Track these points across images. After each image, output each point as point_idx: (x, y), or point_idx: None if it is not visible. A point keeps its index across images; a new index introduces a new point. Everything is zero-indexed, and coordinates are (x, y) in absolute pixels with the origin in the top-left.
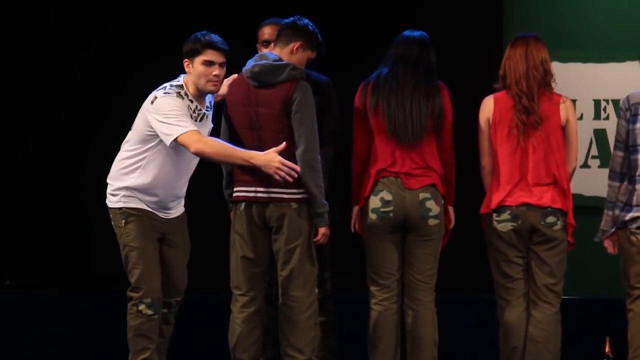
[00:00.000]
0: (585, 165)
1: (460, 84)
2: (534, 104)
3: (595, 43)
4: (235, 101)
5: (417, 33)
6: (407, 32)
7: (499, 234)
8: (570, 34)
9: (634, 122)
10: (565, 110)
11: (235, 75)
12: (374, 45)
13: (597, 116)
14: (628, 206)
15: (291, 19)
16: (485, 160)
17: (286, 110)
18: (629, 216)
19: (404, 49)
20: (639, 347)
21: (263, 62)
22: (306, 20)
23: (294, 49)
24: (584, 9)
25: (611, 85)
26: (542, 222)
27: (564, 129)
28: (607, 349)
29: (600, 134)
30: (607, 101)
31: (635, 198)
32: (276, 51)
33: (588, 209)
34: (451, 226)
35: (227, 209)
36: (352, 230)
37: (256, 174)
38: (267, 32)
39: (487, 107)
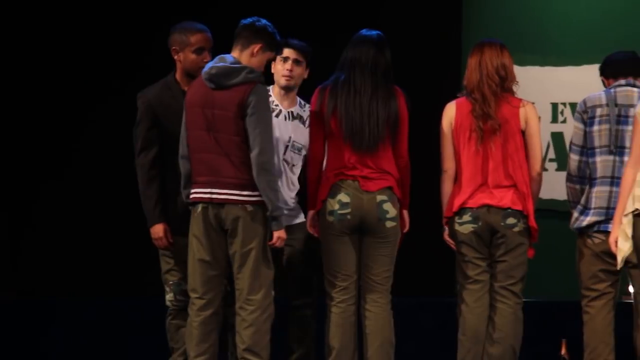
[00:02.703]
0: (542, 168)
1: (418, 88)
2: (491, 110)
3: (553, 47)
4: (193, 103)
5: (373, 32)
6: (363, 32)
7: (460, 236)
8: (528, 38)
9: (591, 124)
10: (524, 114)
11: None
12: (333, 47)
13: (554, 119)
14: (586, 209)
15: (249, 20)
16: (448, 165)
17: (241, 112)
18: (585, 221)
19: (361, 50)
20: (594, 348)
21: (220, 64)
22: (264, 21)
23: (254, 51)
24: (541, 13)
25: (568, 89)
26: (502, 223)
27: (523, 132)
28: (563, 351)
29: (557, 137)
30: (564, 104)
31: (592, 201)
32: (235, 54)
33: (545, 211)
34: (405, 230)
35: None
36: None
37: (213, 175)
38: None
39: (449, 112)
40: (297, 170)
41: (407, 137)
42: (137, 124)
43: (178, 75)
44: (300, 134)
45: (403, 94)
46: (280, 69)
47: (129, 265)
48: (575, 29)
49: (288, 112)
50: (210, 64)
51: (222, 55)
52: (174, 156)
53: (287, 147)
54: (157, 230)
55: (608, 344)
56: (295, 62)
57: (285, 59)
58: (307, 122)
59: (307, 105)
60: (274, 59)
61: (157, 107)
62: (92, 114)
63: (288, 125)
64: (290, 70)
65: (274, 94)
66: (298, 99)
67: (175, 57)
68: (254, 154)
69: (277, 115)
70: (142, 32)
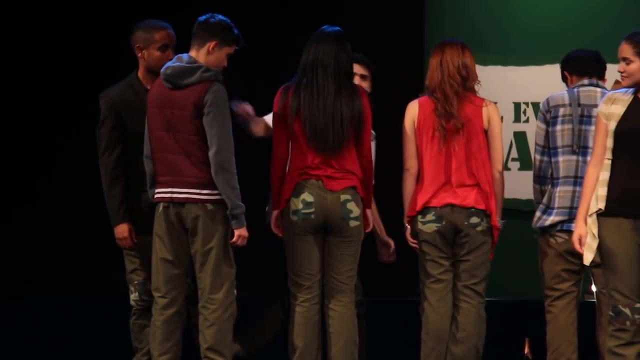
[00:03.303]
0: (505, 167)
1: (381, 88)
2: (453, 109)
3: (515, 47)
4: (152, 103)
5: (334, 29)
6: (324, 28)
7: (423, 235)
8: (491, 38)
9: (554, 124)
10: (487, 114)
11: None
12: (294, 46)
13: (517, 119)
14: (549, 209)
15: (203, 17)
16: (410, 164)
17: (198, 112)
18: (549, 221)
19: (322, 48)
20: (557, 347)
21: (176, 64)
22: (219, 17)
23: (210, 49)
24: (504, 13)
25: (531, 88)
26: (466, 223)
27: (486, 132)
28: (526, 350)
29: (520, 137)
30: (527, 104)
31: (555, 201)
32: (192, 53)
33: (508, 211)
34: (369, 229)
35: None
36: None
37: (174, 175)
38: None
39: (412, 111)
40: None
41: (370, 136)
42: (100, 123)
43: (141, 74)
44: None
45: (365, 92)
46: None
47: (93, 265)
48: (538, 28)
49: None
50: (167, 64)
51: (180, 55)
52: (139, 155)
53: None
54: (122, 230)
55: (571, 343)
56: (362, 77)
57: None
58: None
59: None
60: (236, 51)
61: (121, 106)
62: (52, 116)
63: None
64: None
65: None
66: None
67: (139, 54)
68: (211, 153)
69: None
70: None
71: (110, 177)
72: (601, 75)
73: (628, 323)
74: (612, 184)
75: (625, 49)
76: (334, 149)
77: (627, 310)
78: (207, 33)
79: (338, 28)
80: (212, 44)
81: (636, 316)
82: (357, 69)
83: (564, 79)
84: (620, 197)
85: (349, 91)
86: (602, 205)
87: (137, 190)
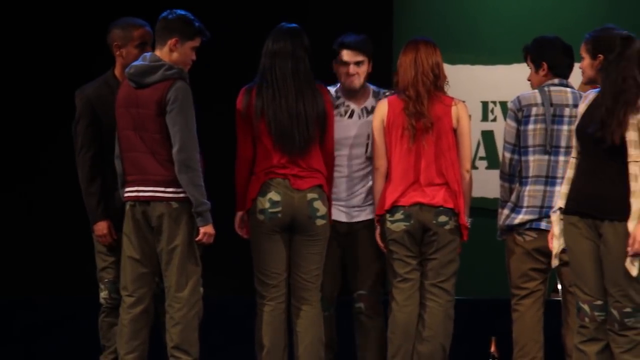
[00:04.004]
0: (473, 166)
1: None
2: (424, 108)
3: (483, 45)
4: (120, 103)
5: (290, 26)
6: (280, 26)
7: (391, 234)
8: (459, 37)
9: (526, 123)
10: (456, 113)
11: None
12: (261, 45)
13: (484, 118)
14: (518, 207)
15: (162, 14)
16: (380, 162)
17: (161, 110)
18: (517, 219)
19: (279, 46)
20: (524, 346)
21: (139, 63)
22: (178, 12)
23: (171, 46)
24: (472, 12)
25: (498, 87)
26: (434, 221)
27: (455, 131)
28: (492, 349)
29: (487, 136)
30: (494, 103)
31: (525, 200)
32: (156, 51)
33: (476, 210)
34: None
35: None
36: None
37: (140, 174)
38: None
39: (381, 109)
40: None
41: (333, 135)
42: (76, 121)
43: (117, 72)
44: None
45: (327, 91)
46: (342, 73)
47: (61, 262)
48: (506, 28)
49: (362, 109)
50: (132, 63)
51: (145, 54)
52: (113, 153)
53: (367, 144)
54: (101, 227)
55: (537, 342)
56: (356, 64)
57: (345, 64)
58: None
59: (383, 91)
60: (203, 44)
61: (96, 103)
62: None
63: (363, 123)
64: (351, 75)
65: (342, 94)
66: (372, 89)
67: (117, 53)
68: (174, 151)
69: (350, 116)
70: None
71: (88, 175)
72: (568, 76)
73: (587, 319)
74: (573, 183)
75: (581, 47)
76: (300, 150)
77: (586, 307)
78: (166, 30)
79: (294, 25)
80: (173, 41)
81: (595, 313)
82: (350, 56)
83: (528, 59)
84: (576, 197)
85: (310, 90)
86: (562, 203)
87: (111, 188)
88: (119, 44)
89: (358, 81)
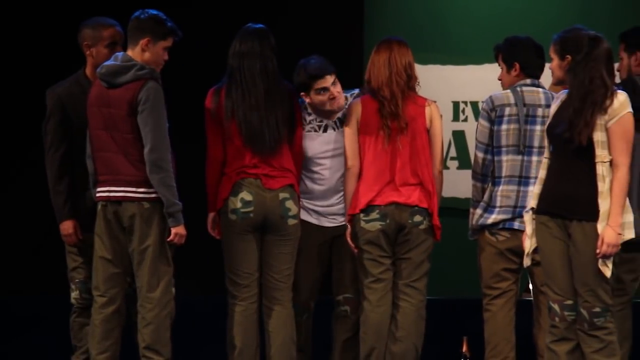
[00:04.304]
0: (444, 166)
1: None
2: (399, 109)
3: (454, 46)
4: (92, 102)
5: (256, 26)
6: (247, 26)
7: (366, 233)
8: (430, 37)
9: (500, 123)
10: (429, 113)
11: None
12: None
13: (455, 118)
14: (491, 207)
15: (134, 14)
16: (352, 162)
17: (132, 110)
18: (491, 219)
19: (246, 46)
20: (496, 346)
21: (111, 62)
22: (150, 11)
23: (143, 46)
24: (443, 12)
25: (469, 87)
26: (410, 221)
27: (428, 131)
28: (464, 349)
29: (459, 136)
30: (465, 103)
31: (498, 199)
32: (128, 51)
33: (447, 210)
34: None
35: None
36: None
37: (111, 174)
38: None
39: (355, 110)
40: None
41: (301, 133)
42: (46, 119)
43: (88, 71)
44: None
45: (292, 88)
46: (325, 100)
47: (33, 262)
48: (477, 28)
49: (335, 121)
50: (103, 63)
51: (117, 54)
52: (84, 152)
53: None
54: (67, 226)
55: (509, 341)
56: (333, 84)
57: (324, 90)
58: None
59: (351, 93)
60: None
61: (67, 102)
62: None
63: (339, 133)
64: (335, 96)
65: (313, 111)
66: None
67: (87, 52)
68: (146, 152)
69: (325, 130)
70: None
71: (56, 174)
72: (540, 76)
73: (557, 319)
74: (544, 183)
75: (550, 47)
76: (271, 150)
77: (556, 307)
78: (138, 30)
79: (261, 25)
80: (144, 41)
81: (566, 313)
82: (324, 82)
83: (499, 58)
84: (547, 197)
85: (279, 90)
86: (534, 203)
87: (81, 188)
88: (89, 44)
89: (342, 99)
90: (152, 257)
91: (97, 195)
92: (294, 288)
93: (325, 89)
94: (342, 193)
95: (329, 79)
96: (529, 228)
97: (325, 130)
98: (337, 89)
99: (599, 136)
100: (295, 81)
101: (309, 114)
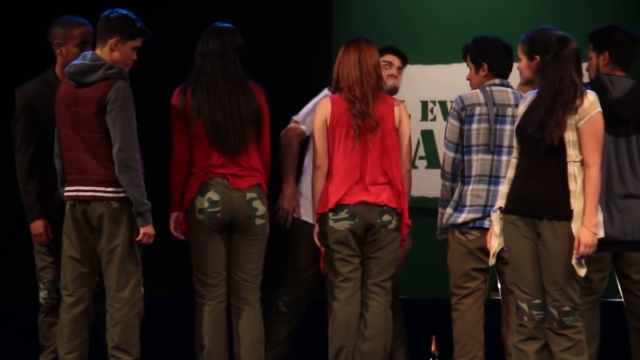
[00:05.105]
0: (412, 166)
1: (288, 85)
2: (369, 108)
3: (423, 45)
4: (60, 101)
5: (223, 25)
6: (214, 25)
7: (335, 233)
8: (398, 37)
9: (470, 122)
10: (399, 113)
11: None
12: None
13: (424, 117)
14: (461, 206)
15: (104, 13)
16: (321, 162)
17: (101, 110)
18: (461, 218)
19: (212, 45)
20: (464, 345)
21: (79, 62)
22: (120, 11)
23: (112, 45)
24: (411, 12)
25: (438, 87)
26: (379, 220)
27: (397, 130)
28: (433, 348)
29: (427, 135)
30: (434, 102)
31: (468, 199)
32: (97, 50)
33: (415, 209)
34: None
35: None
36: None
37: (80, 173)
38: None
39: (325, 108)
40: None
41: (269, 133)
42: (15, 119)
43: (58, 70)
44: None
45: (262, 90)
46: (385, 73)
47: (1, 262)
48: (445, 27)
49: None
50: (72, 62)
51: (85, 53)
52: (54, 152)
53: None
54: (37, 226)
55: (478, 340)
56: (399, 69)
57: (390, 65)
58: None
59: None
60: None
61: (36, 101)
62: None
63: None
64: (396, 76)
65: None
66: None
67: (57, 51)
68: (114, 151)
69: None
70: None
71: (26, 173)
72: (508, 76)
73: (525, 318)
74: (512, 183)
75: (518, 48)
76: (236, 149)
77: (524, 306)
78: (107, 30)
79: (227, 24)
80: (113, 40)
81: (534, 312)
82: (396, 60)
83: (467, 59)
84: (515, 196)
85: (242, 90)
86: (502, 203)
87: (50, 187)
88: (59, 42)
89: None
90: (121, 257)
91: (65, 194)
92: (293, 284)
93: (391, 64)
94: None
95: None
96: (496, 227)
97: None
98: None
99: (570, 136)
100: None
101: None
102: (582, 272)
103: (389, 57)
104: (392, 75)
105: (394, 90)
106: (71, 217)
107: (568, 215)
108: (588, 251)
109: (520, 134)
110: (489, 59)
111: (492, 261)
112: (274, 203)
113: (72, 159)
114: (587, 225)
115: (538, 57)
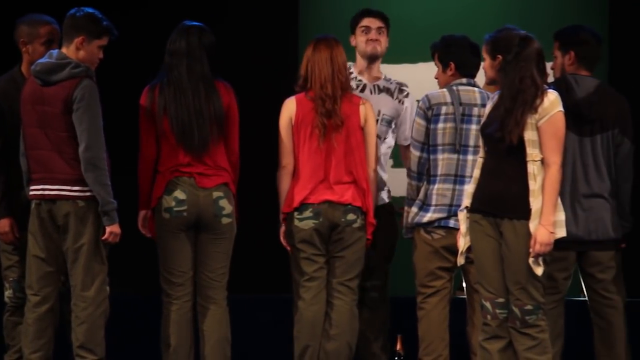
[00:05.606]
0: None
1: (255, 83)
2: (337, 107)
3: (389, 44)
4: (25, 100)
5: (191, 24)
6: (182, 24)
7: (300, 232)
8: None
9: (436, 122)
10: (364, 112)
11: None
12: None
13: None
14: (426, 205)
15: (70, 12)
16: (287, 161)
17: (67, 108)
18: (426, 217)
19: (180, 44)
20: (430, 344)
21: (45, 60)
22: (86, 10)
23: (78, 44)
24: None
25: None
26: (343, 219)
27: (363, 129)
28: (398, 347)
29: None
30: None
31: (433, 198)
32: (63, 49)
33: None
34: None
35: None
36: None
37: (46, 172)
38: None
39: (289, 107)
40: (388, 142)
41: (237, 133)
42: None
43: (24, 68)
44: (388, 107)
45: (229, 87)
46: (364, 38)
47: None
48: (411, 27)
49: (373, 85)
50: (38, 61)
51: (51, 51)
52: (18, 150)
53: (377, 120)
54: (3, 224)
55: (443, 339)
56: (378, 30)
57: (367, 29)
58: (395, 95)
59: (394, 80)
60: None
61: (2, 100)
62: None
63: (374, 99)
64: (375, 40)
65: (355, 70)
66: (383, 73)
67: (23, 49)
68: (80, 150)
69: (362, 90)
70: None
71: None
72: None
73: (489, 317)
74: (477, 182)
75: (482, 48)
76: (201, 147)
77: (488, 304)
78: (74, 28)
79: (196, 23)
80: (79, 39)
81: (497, 311)
82: (373, 22)
83: (435, 58)
84: (480, 196)
85: (206, 89)
86: (468, 202)
87: (16, 186)
88: (25, 41)
89: (381, 48)
90: (87, 256)
91: (31, 193)
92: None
93: (369, 28)
94: None
95: (377, 22)
96: (463, 227)
97: (362, 91)
98: (380, 38)
99: (529, 135)
100: None
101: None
102: (539, 270)
103: (365, 21)
104: (371, 39)
105: (374, 56)
106: (37, 216)
107: (528, 214)
108: (544, 249)
109: (483, 134)
110: (457, 58)
111: (460, 260)
112: (250, 203)
113: (38, 157)
114: (544, 223)
115: (500, 57)
